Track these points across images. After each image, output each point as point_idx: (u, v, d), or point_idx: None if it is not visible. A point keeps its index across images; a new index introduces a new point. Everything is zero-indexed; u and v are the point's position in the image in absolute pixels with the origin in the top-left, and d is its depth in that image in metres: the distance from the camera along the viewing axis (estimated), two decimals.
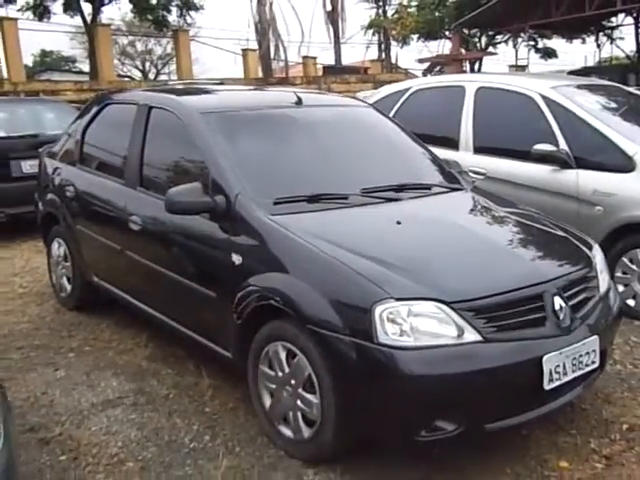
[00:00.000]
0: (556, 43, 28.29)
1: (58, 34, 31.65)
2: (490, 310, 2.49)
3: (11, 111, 8.09)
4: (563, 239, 3.17)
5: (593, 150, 4.42)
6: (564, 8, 18.30)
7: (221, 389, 3.38)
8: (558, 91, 4.74)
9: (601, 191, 4.26)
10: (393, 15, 27.94)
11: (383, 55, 28.61)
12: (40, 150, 5.32)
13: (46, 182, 4.90)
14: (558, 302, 2.63)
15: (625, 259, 4.21)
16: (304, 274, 2.68)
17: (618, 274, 4.22)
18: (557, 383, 2.56)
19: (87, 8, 21.34)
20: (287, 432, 2.79)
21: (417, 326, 2.41)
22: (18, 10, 20.89)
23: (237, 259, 2.92)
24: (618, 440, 2.85)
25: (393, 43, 27.88)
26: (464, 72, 20.59)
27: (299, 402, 2.69)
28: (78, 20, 22.30)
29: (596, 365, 2.73)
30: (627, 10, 21.10)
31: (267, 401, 2.88)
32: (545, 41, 27.57)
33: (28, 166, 6.86)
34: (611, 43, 27.24)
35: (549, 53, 28.41)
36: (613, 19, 24.76)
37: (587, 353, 2.67)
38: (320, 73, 23.03)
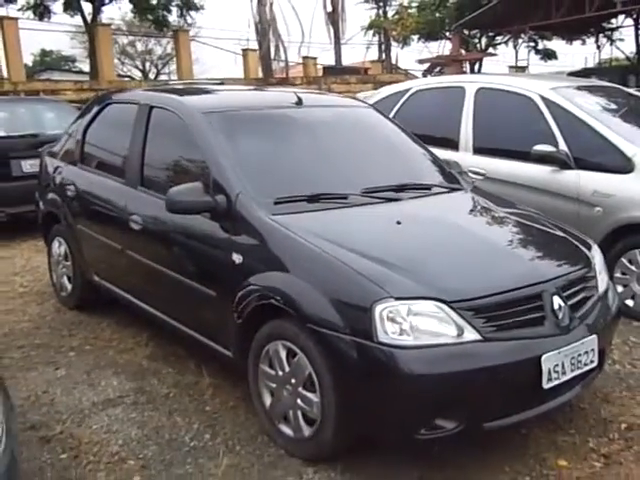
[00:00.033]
0: (556, 44, 28.40)
1: (58, 34, 31.69)
2: (489, 309, 2.51)
3: (11, 110, 8.10)
4: (562, 239, 3.19)
5: (592, 151, 4.43)
6: (564, 9, 18.32)
7: (221, 388, 3.39)
8: (558, 92, 4.75)
9: (600, 192, 4.27)
10: (393, 16, 27.96)
11: (383, 56, 28.64)
12: (41, 149, 5.33)
13: (47, 181, 4.91)
14: (557, 302, 2.64)
15: (624, 260, 4.22)
16: (304, 273, 2.69)
17: (617, 275, 4.23)
18: (556, 382, 2.57)
19: (87, 8, 21.37)
20: (287, 431, 2.80)
21: (417, 325, 2.43)
22: (18, 9, 20.91)
23: (238, 258, 2.94)
24: (617, 439, 2.87)
25: (393, 44, 27.91)
26: (464, 73, 20.61)
27: (299, 401, 2.70)
28: (78, 20, 22.34)
29: (595, 364, 2.75)
30: (627, 11, 21.10)
31: (267, 400, 2.89)
32: (545, 42, 27.57)
33: (28, 165, 6.87)
34: (611, 44, 27.25)
35: (549, 54, 28.42)
36: (613, 20, 24.76)
37: (586, 352, 2.68)
38: (320, 73, 23.02)
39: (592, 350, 2.71)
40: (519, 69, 22.85)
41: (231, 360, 3.10)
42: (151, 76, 36.57)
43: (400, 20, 25.66)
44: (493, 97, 5.07)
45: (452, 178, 3.73)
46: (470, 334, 2.44)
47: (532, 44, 26.73)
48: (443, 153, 4.28)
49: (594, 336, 2.72)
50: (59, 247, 4.72)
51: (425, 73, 25.12)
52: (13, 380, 3.52)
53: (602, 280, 3.01)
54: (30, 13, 21.24)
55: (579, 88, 5.10)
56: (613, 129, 4.43)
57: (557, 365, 2.56)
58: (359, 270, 2.55)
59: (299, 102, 3.82)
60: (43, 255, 5.34)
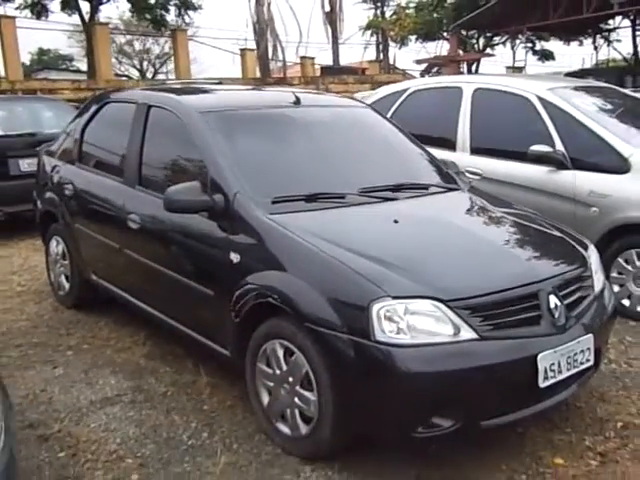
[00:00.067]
0: (553, 45, 28.41)
1: (56, 32, 31.74)
2: (486, 308, 2.52)
3: (9, 109, 8.09)
4: (559, 239, 3.20)
5: (589, 151, 4.45)
6: (562, 10, 18.36)
7: (219, 387, 3.40)
8: (555, 93, 4.77)
9: (597, 192, 4.29)
10: (391, 16, 28.01)
11: (381, 56, 28.67)
12: (38, 148, 5.33)
13: (45, 180, 4.92)
14: (553, 301, 2.65)
15: (620, 259, 4.24)
16: (302, 272, 2.70)
17: (614, 274, 4.25)
18: (552, 381, 2.58)
19: (85, 7, 21.39)
20: (285, 429, 2.81)
21: (414, 324, 2.44)
22: (16, 8, 20.91)
23: (235, 257, 2.94)
24: (612, 438, 2.88)
25: (391, 44, 27.95)
26: (461, 73, 20.65)
27: (297, 399, 2.71)
28: (76, 18, 22.35)
29: (591, 363, 2.76)
30: (624, 12, 21.16)
31: (265, 398, 2.90)
32: (542, 43, 27.64)
33: (26, 164, 6.86)
34: (608, 45, 27.32)
35: (546, 55, 28.48)
36: (610, 21, 24.83)
37: (582, 351, 2.69)
38: (318, 73, 23.05)
39: (588, 349, 2.73)
40: (516, 70, 22.88)
41: (229, 359, 3.11)
42: (148, 75, 36.54)
43: (398, 20, 25.71)
44: (490, 97, 5.08)
45: (449, 178, 3.74)
46: (467, 333, 2.45)
47: (530, 45, 26.79)
48: (440, 153, 4.30)
49: (590, 335, 2.73)
50: (57, 246, 4.72)
51: (423, 73, 25.17)
52: (11, 379, 3.52)
53: (598, 280, 3.02)
54: (28, 12, 21.27)
55: (576, 89, 5.11)
56: (610, 130, 4.45)
57: (553, 364, 2.58)
58: (356, 269, 2.56)
59: (297, 102, 3.82)
60: (41, 254, 5.35)
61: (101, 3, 21.83)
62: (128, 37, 35.27)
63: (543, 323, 2.61)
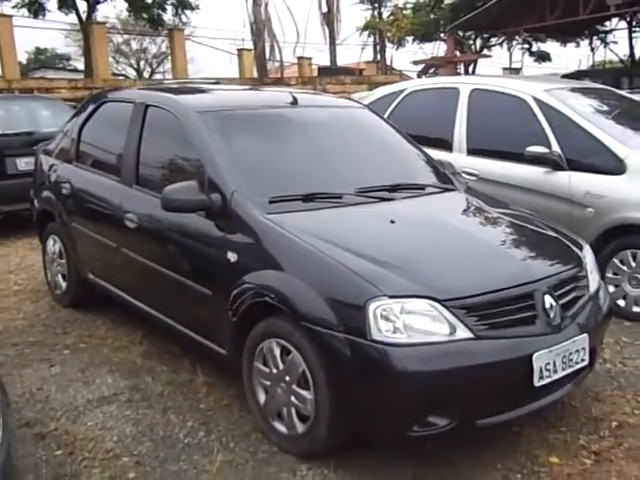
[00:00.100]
0: (550, 47, 28.44)
1: (53, 32, 31.73)
2: (482, 308, 2.53)
3: (6, 108, 8.07)
4: (554, 239, 3.22)
5: (585, 152, 4.47)
6: (558, 12, 18.41)
7: (216, 386, 3.40)
8: (551, 94, 4.79)
9: (593, 193, 4.31)
10: (388, 17, 28.03)
11: (378, 57, 28.68)
12: (36, 147, 5.33)
13: (42, 179, 4.92)
14: (548, 301, 2.67)
15: (616, 260, 4.26)
16: (299, 272, 2.71)
17: (609, 275, 4.27)
18: (547, 380, 2.60)
19: (82, 6, 21.38)
20: (281, 428, 2.82)
21: (410, 323, 2.45)
22: (13, 7, 20.88)
23: (232, 257, 2.95)
24: (607, 437, 2.90)
25: (388, 45, 27.99)
26: (458, 74, 20.69)
27: (293, 398, 2.72)
28: (73, 18, 22.31)
29: (586, 363, 2.78)
30: (621, 14, 21.23)
31: (261, 397, 2.91)
32: (539, 44, 27.69)
33: (23, 163, 6.87)
34: (605, 47, 27.41)
35: (543, 56, 28.54)
36: (607, 23, 24.92)
37: (577, 351, 2.71)
38: (315, 74, 23.05)
39: (583, 349, 2.74)
40: (513, 71, 22.93)
41: (225, 358, 3.11)
42: (146, 75, 36.51)
43: (395, 21, 25.74)
44: (487, 98, 5.10)
45: (445, 178, 3.75)
46: (462, 332, 2.47)
47: (526, 46, 26.83)
48: (437, 154, 4.31)
49: (585, 335, 2.75)
50: (54, 245, 4.72)
51: (420, 74, 25.20)
52: (8, 377, 3.52)
53: (593, 280, 3.04)
54: (25, 11, 21.22)
55: (572, 90, 5.14)
56: (605, 131, 4.47)
57: (548, 363, 2.59)
58: (353, 268, 2.58)
59: (294, 102, 3.83)
60: (38, 253, 5.35)
61: (98, 2, 21.82)
62: (125, 36, 35.23)
63: (538, 323, 2.63)
